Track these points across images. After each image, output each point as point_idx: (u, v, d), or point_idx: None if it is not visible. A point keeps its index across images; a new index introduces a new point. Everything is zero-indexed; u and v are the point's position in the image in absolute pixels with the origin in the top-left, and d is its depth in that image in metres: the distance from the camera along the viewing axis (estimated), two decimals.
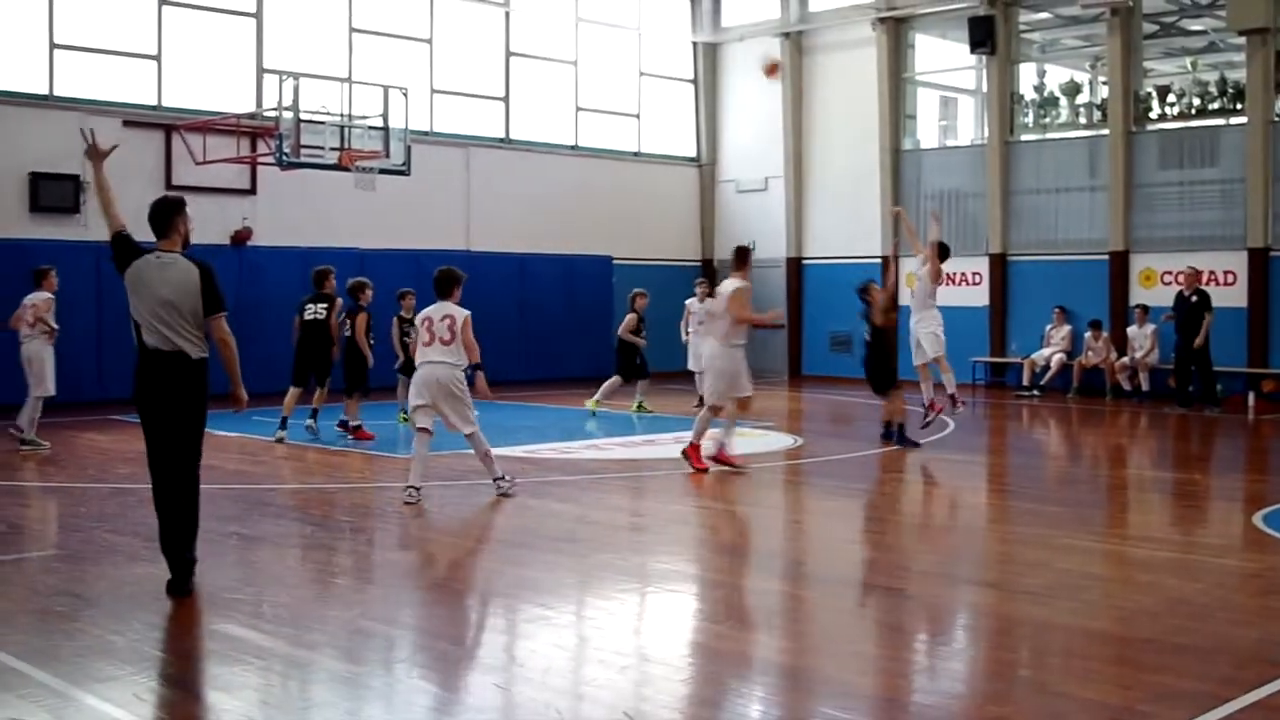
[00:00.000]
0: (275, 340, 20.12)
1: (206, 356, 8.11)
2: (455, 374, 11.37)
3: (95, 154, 8.96)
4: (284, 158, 19.78)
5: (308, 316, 16.39)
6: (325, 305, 16.44)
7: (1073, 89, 24.16)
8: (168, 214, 8.48)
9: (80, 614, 7.50)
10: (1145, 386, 21.75)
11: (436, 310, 11.53)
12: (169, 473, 8.05)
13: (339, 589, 8.25)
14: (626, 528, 10.56)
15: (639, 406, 19.74)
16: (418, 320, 11.72)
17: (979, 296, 24.81)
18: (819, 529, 11.13)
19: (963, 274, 25.07)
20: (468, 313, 11.50)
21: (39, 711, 5.81)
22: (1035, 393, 22.41)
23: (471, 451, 11.73)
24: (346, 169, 20.35)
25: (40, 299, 15.06)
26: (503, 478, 11.73)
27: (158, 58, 21.42)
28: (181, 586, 7.89)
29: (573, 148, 27.07)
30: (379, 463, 14.12)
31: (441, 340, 11.36)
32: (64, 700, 5.95)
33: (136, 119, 21.06)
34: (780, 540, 10.60)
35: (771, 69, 22.78)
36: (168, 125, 21.25)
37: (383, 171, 20.71)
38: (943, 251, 16.41)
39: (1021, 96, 24.52)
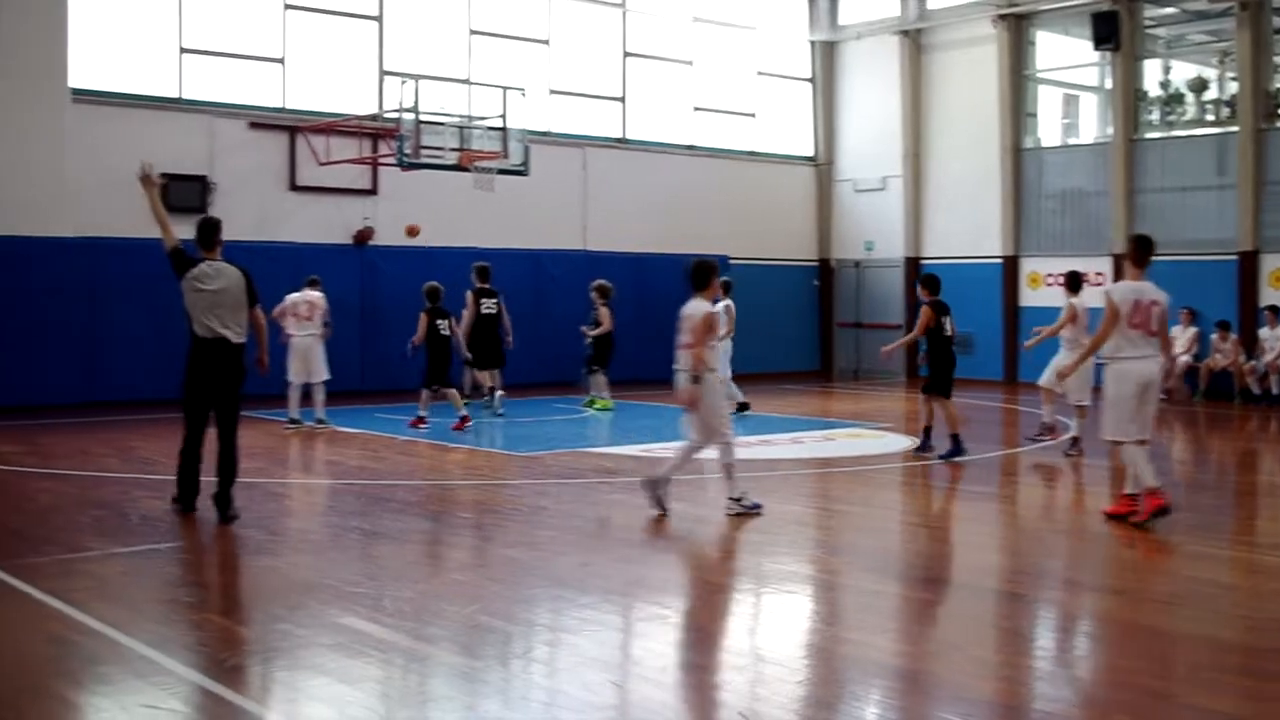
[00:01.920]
0: (396, 339, 20.43)
1: (244, 342, 10.33)
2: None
3: (148, 183, 10.88)
4: (404, 158, 20.03)
5: (484, 311, 18.04)
6: (496, 300, 18.24)
7: (1200, 85, 23.63)
8: (215, 231, 10.60)
9: (207, 604, 7.68)
10: (1276, 390, 21.19)
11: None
12: (219, 430, 10.25)
13: (459, 584, 8.33)
14: (742, 527, 10.52)
15: (591, 402, 19.74)
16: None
17: (1101, 297, 24.29)
18: (937, 531, 11.00)
19: (1084, 274, 24.60)
20: (709, 308, 10.66)
21: (169, 699, 5.95)
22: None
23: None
24: (465, 169, 20.56)
25: (317, 297, 17.00)
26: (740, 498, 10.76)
27: (282, 61, 21.83)
28: (189, 505, 10.34)
29: (689, 147, 27.07)
30: (499, 460, 14.24)
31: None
32: (191, 688, 6.08)
33: (262, 121, 21.49)
34: (898, 542, 10.49)
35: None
36: (292, 127, 21.65)
37: (501, 172, 20.88)
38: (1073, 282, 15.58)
39: (1146, 93, 24.02)
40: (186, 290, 10.26)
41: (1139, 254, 10.40)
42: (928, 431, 14.74)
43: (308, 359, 16.91)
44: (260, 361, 10.97)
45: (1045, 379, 15.38)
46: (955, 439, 14.18)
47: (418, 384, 17.26)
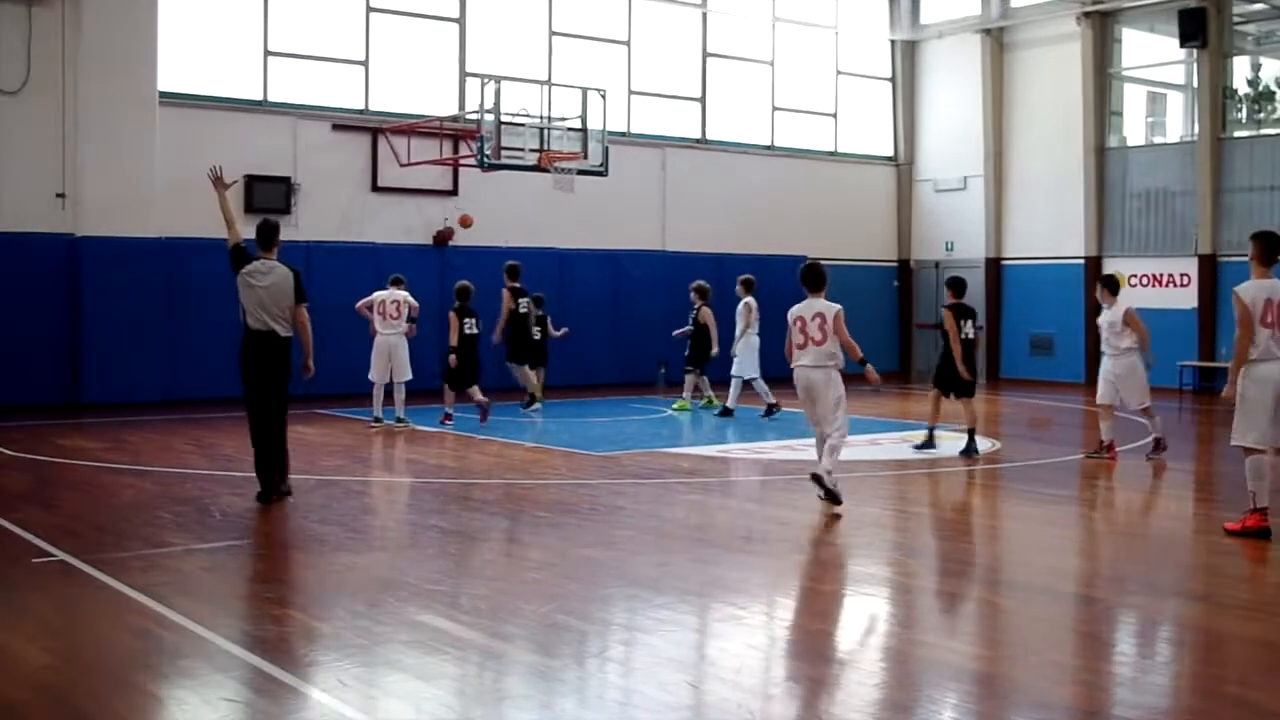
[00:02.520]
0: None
1: (291, 336, 11.01)
2: (831, 375, 10.85)
3: (219, 185, 11.52)
4: (485, 159, 20.14)
5: (520, 310, 18.94)
6: (529, 299, 18.83)
7: None
8: (273, 233, 11.24)
9: (288, 600, 7.77)
10: None
11: (807, 308, 11.03)
12: (265, 418, 10.95)
13: (535, 583, 8.36)
14: (819, 528, 10.48)
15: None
16: (790, 319, 11.07)
17: (1187, 299, 23.99)
18: (1016, 534, 10.89)
19: (1169, 275, 24.32)
20: (839, 307, 10.97)
21: (250, 693, 6.03)
22: None
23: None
24: (545, 170, 20.64)
25: (404, 296, 17.14)
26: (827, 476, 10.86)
27: (365, 63, 22.05)
28: (268, 497, 10.92)
29: (769, 148, 27.00)
30: (576, 460, 14.28)
31: (814, 341, 10.87)
32: (272, 683, 6.16)
33: (345, 122, 21.72)
34: (976, 545, 10.40)
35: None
36: (374, 128, 21.86)
37: (581, 172, 20.94)
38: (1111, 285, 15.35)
39: (1234, 91, 23.62)
40: (240, 285, 11.05)
41: (1266, 252, 10.05)
42: (971, 434, 14.76)
43: (392, 358, 17.07)
44: (305, 366, 11.37)
45: (1102, 395, 14.68)
46: (931, 433, 15.06)
47: (439, 383, 17.62)
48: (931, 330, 27.54)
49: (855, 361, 11.01)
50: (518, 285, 19.11)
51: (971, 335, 14.93)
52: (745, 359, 18.86)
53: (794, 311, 11.12)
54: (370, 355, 17.22)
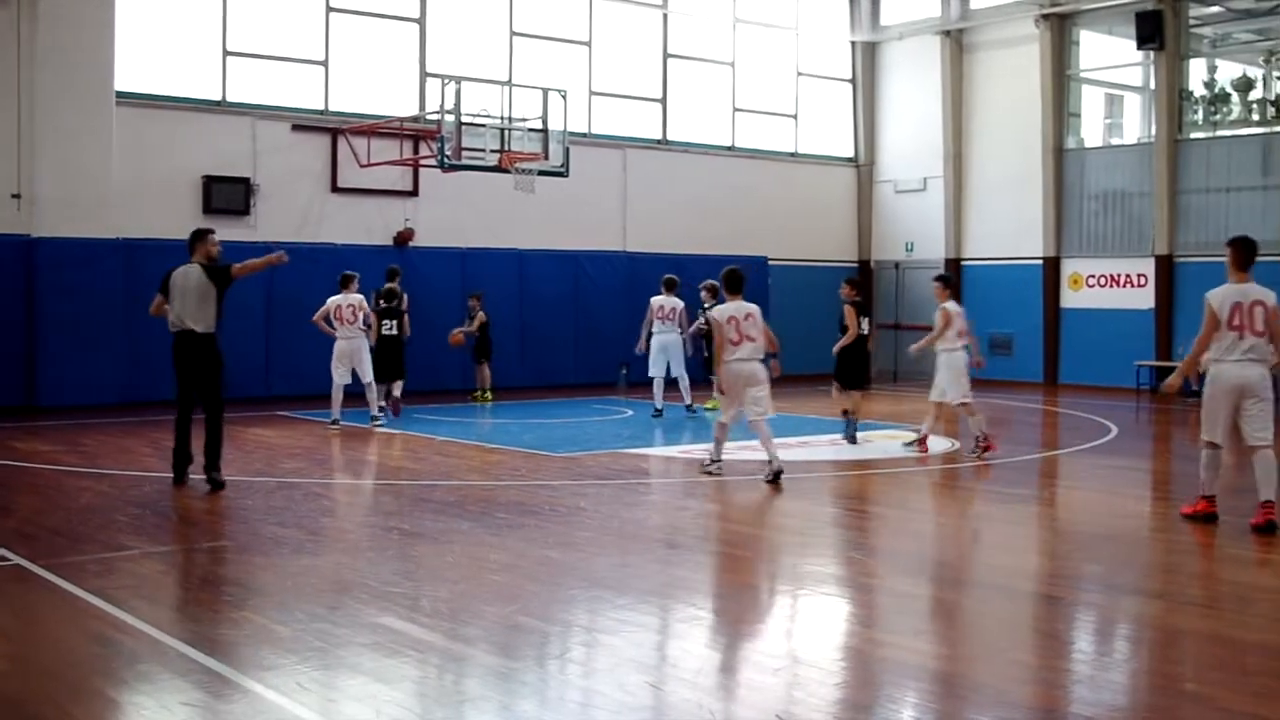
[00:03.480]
0: (438, 339, 20.50)
1: (212, 333, 11.80)
2: (763, 367, 12.52)
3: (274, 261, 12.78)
4: (445, 160, 20.10)
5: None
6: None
7: (1245, 85, 23.42)
8: (195, 240, 12.07)
9: (247, 603, 7.72)
10: None
11: (737, 309, 12.48)
12: (201, 410, 11.84)
13: (496, 584, 8.34)
14: (780, 529, 10.51)
15: (483, 394, 20.66)
16: (722, 319, 12.43)
17: (1144, 299, 24.20)
18: (974, 533, 10.95)
19: (1127, 276, 24.52)
20: (758, 307, 12.68)
21: (208, 698, 5.99)
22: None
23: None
24: (506, 171, 20.62)
25: (358, 299, 17.27)
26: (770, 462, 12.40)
27: (325, 63, 21.95)
28: (181, 479, 11.91)
29: (729, 148, 27.05)
30: (537, 461, 14.27)
31: (748, 337, 12.37)
32: (231, 687, 6.12)
33: (304, 123, 21.62)
34: (936, 545, 10.45)
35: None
36: (334, 129, 21.77)
37: (542, 173, 20.93)
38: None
39: (1191, 93, 23.83)
40: (166, 289, 12.01)
41: (1242, 257, 10.32)
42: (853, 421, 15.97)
43: (354, 360, 17.15)
44: (266, 259, 12.61)
45: (935, 394, 15.06)
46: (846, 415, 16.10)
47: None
48: (891, 331, 27.74)
49: (769, 353, 12.73)
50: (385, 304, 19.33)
51: (866, 331, 16.40)
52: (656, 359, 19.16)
53: (724, 311, 12.52)
54: (330, 358, 17.22)
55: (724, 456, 13.11)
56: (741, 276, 12.86)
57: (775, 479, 12.26)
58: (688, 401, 18.98)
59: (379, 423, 17.02)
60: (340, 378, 17.16)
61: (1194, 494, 10.69)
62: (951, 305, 15.05)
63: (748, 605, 8.17)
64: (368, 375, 17.19)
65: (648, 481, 13.22)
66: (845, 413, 16.07)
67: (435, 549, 9.58)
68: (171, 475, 12.06)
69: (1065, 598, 8.33)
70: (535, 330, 23.06)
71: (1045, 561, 9.74)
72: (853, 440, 15.74)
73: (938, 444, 15.50)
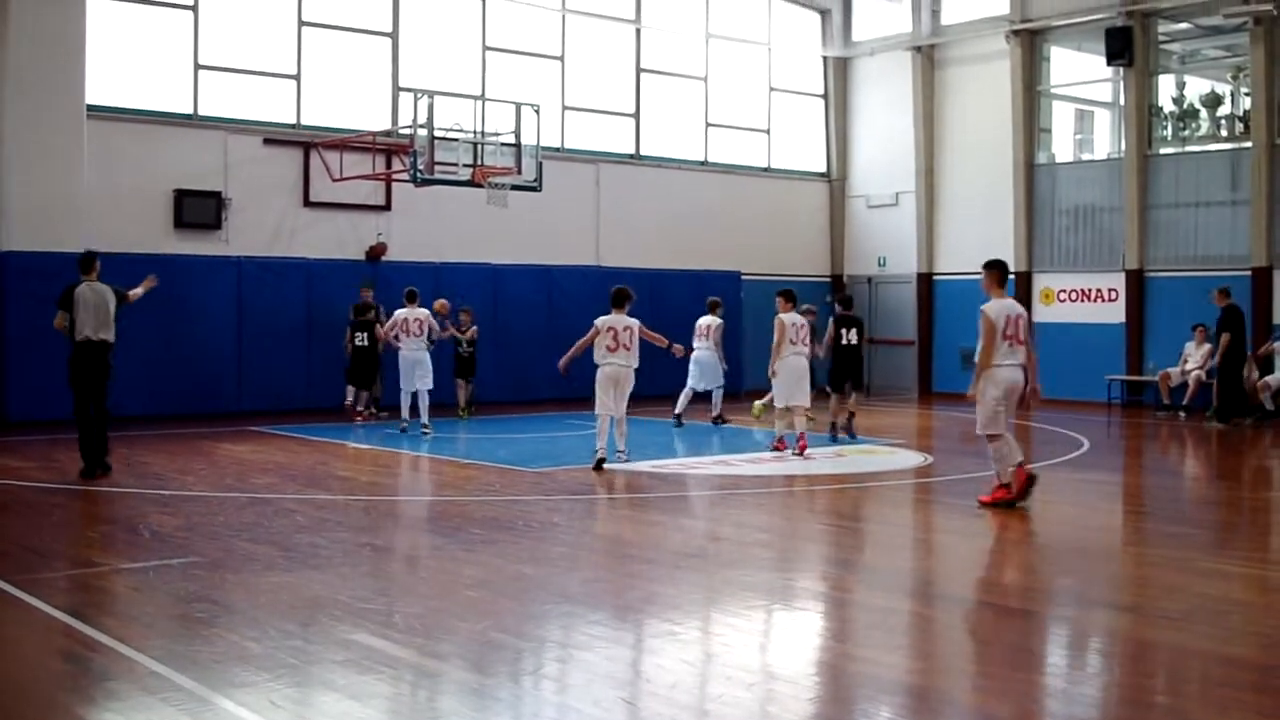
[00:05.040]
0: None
1: (113, 341, 13.61)
2: (631, 373, 14.53)
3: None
4: (418, 174, 20.06)
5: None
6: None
7: (1214, 100, 23.59)
8: (92, 260, 13.82)
9: (218, 620, 7.67)
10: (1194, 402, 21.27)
11: (617, 321, 14.46)
12: (94, 409, 13.56)
13: (470, 600, 8.32)
14: (754, 544, 10.52)
15: (465, 410, 20.87)
16: (602, 327, 14.45)
17: (1114, 314, 24.32)
18: (948, 548, 10.97)
19: (1098, 290, 24.63)
20: (639, 322, 14.71)
21: (179, 715, 5.95)
22: (1181, 414, 21.63)
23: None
24: (479, 185, 20.59)
25: (426, 315, 18.56)
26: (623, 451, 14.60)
27: (297, 77, 21.90)
28: (93, 472, 13.41)
29: (702, 163, 27.10)
30: (510, 476, 14.24)
31: (625, 346, 14.43)
32: (202, 704, 6.08)
33: (276, 137, 21.56)
34: (909, 559, 10.48)
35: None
36: (306, 143, 21.71)
37: (515, 188, 20.90)
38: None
39: (1160, 109, 23.98)
40: (75, 306, 13.56)
41: (1001, 277, 12.39)
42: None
43: (417, 370, 18.17)
44: (145, 284, 14.37)
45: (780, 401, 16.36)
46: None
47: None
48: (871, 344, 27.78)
49: (662, 347, 15.38)
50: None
51: (854, 341, 18.42)
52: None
53: (605, 321, 14.56)
54: (399, 367, 18.39)
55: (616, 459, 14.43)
56: (627, 294, 14.89)
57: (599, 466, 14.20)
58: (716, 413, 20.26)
59: (429, 433, 17.89)
60: (409, 385, 18.19)
61: (1173, 517, 10.67)
62: (787, 316, 16.31)
63: (722, 620, 8.16)
64: (427, 384, 18.19)
65: (622, 496, 13.21)
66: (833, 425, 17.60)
67: (408, 565, 9.55)
68: (81, 466, 13.52)
69: (1038, 611, 8.36)
70: (509, 345, 23.02)
71: (1018, 575, 9.77)
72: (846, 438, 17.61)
73: (912, 458, 15.53)
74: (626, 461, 14.62)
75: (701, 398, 20.30)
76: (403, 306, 18.56)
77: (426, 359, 18.24)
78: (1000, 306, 12.06)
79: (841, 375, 18.32)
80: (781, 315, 16.21)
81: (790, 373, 16.13)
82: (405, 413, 18.31)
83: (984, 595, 8.83)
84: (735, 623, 8.03)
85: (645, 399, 20.94)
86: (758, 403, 20.09)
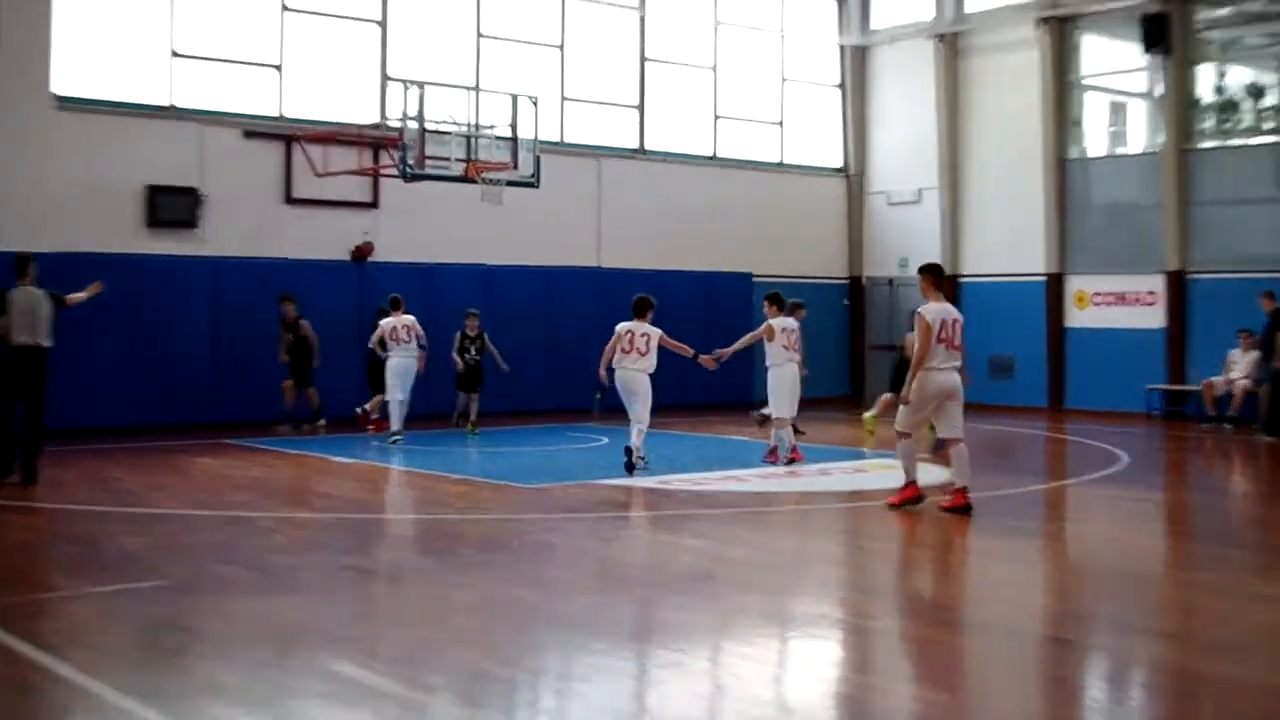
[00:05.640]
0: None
1: (51, 346, 13.93)
2: (645, 379, 15.32)
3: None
4: (408, 169, 20.00)
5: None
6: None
7: (1257, 91, 23.51)
8: (26, 263, 14.14)
9: (189, 649, 7.59)
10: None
11: (637, 326, 15.43)
12: (24, 414, 13.75)
13: (461, 628, 8.24)
14: (767, 567, 10.41)
15: (468, 422, 20.17)
16: (621, 332, 15.40)
17: (1154, 318, 24.21)
18: (977, 570, 10.88)
19: (1135, 293, 24.53)
20: (660, 331, 15.56)
21: None
22: (1227, 426, 21.45)
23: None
24: (473, 181, 20.52)
25: (412, 321, 18.84)
26: (643, 457, 15.24)
27: (279, 66, 21.84)
28: (5, 472, 13.78)
29: (711, 158, 27.05)
30: (506, 493, 14.15)
31: (639, 351, 15.29)
32: None
33: (257, 129, 21.50)
34: (934, 582, 10.38)
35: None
36: (288, 136, 21.65)
37: (511, 184, 20.84)
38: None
39: (1199, 100, 23.91)
40: (11, 310, 13.89)
41: (939, 281, 13.02)
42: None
43: (406, 378, 18.67)
44: (89, 290, 14.75)
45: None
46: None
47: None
48: (885, 352, 27.71)
49: (687, 356, 15.88)
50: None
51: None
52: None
53: (624, 326, 15.46)
54: (385, 377, 18.70)
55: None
56: (649, 302, 15.71)
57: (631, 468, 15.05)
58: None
59: (399, 440, 18.25)
60: (395, 394, 18.58)
61: (1219, 539, 10.77)
62: (779, 321, 16.41)
63: (733, 649, 8.05)
64: (405, 394, 18.65)
65: (625, 515, 13.11)
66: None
67: (394, 589, 9.47)
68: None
69: (1075, 640, 8.25)
70: (503, 352, 22.94)
71: (1052, 601, 9.66)
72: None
73: (937, 473, 15.41)
74: (645, 468, 15.15)
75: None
76: (386, 315, 18.93)
77: (413, 368, 18.71)
78: (937, 310, 12.63)
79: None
80: (772, 321, 16.45)
81: (786, 381, 16.30)
82: (397, 424, 18.50)
83: (1015, 622, 8.71)
84: (747, 652, 7.93)
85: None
86: (868, 414, 20.09)
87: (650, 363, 15.34)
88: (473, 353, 20.19)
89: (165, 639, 7.92)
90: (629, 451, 15.11)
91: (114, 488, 14.13)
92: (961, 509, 12.38)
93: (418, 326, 18.81)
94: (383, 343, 18.75)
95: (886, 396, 19.86)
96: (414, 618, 8.65)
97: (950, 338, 12.59)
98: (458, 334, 20.20)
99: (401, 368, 18.61)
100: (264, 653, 7.49)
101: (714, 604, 9.10)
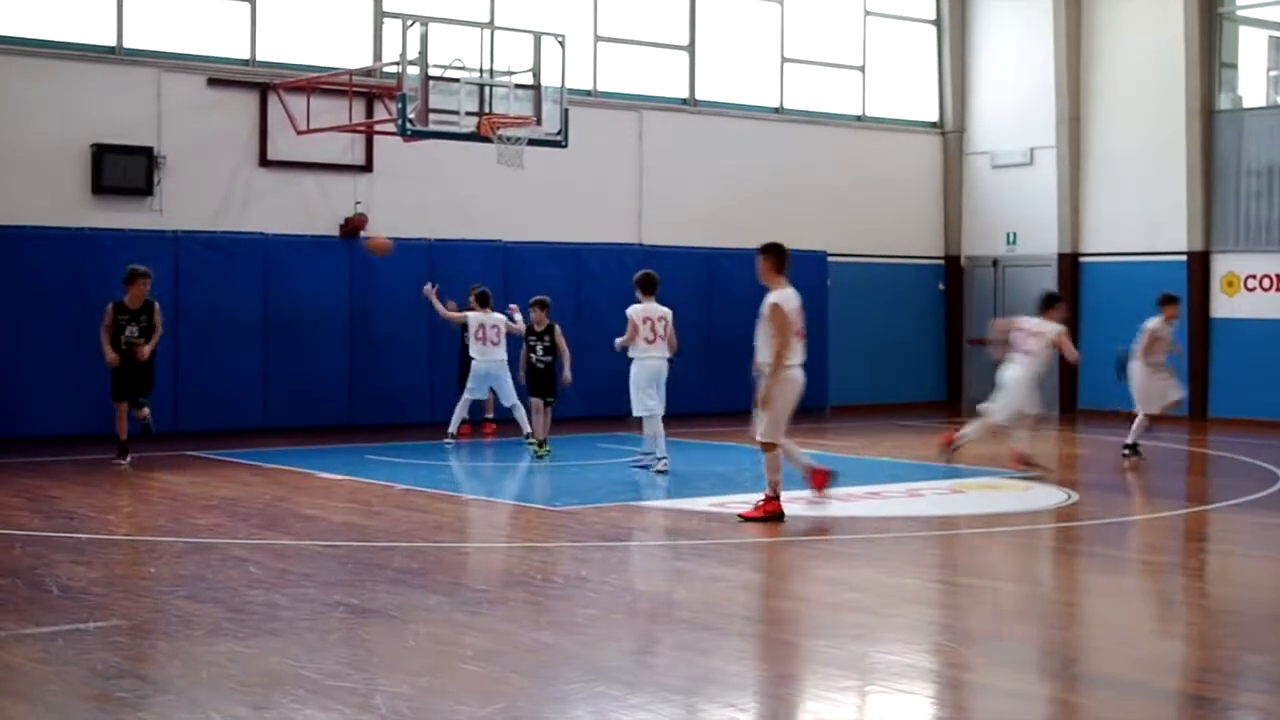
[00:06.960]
0: (393, 357, 20.54)
1: None
2: (667, 366, 16.88)
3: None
4: (408, 125, 20.04)
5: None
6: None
7: None
8: None
9: (147, 702, 7.69)
10: None
11: (653, 310, 16.83)
12: None
13: (473, 677, 8.31)
14: (844, 606, 10.47)
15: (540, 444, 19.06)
16: (637, 319, 16.86)
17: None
18: (1098, 613, 10.89)
19: None
20: (670, 311, 16.86)
21: None
22: None
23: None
24: (487, 139, 20.54)
25: (504, 320, 19.91)
26: (662, 459, 16.81)
27: (252, 1, 21.96)
28: None
29: (777, 110, 27.08)
30: (527, 516, 14.24)
31: (660, 337, 16.68)
32: None
33: (225, 76, 21.64)
34: (1046, 628, 10.41)
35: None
36: (263, 84, 21.78)
37: (532, 142, 20.84)
38: None
39: None
40: None
41: (783, 263, 13.41)
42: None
43: (495, 383, 19.83)
44: None
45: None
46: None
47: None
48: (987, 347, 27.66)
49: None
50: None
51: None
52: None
53: (639, 311, 16.93)
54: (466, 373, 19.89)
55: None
56: (655, 280, 17.04)
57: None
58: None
59: (532, 443, 19.01)
60: (471, 395, 19.96)
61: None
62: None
63: (801, 706, 8.13)
64: (511, 398, 19.75)
65: (670, 544, 13.18)
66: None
67: (393, 631, 9.56)
68: None
69: (1220, 699, 8.28)
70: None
71: (1190, 650, 9.68)
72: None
73: (1052, 495, 15.44)
74: (666, 470, 16.70)
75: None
76: (470, 309, 19.98)
77: (506, 372, 19.84)
78: (790, 297, 13.20)
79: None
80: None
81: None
82: (455, 425, 19.97)
83: (1145, 676, 8.74)
84: (819, 709, 8.00)
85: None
86: (965, 432, 19.89)
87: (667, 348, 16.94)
88: (540, 351, 19.07)
89: (117, 689, 8.03)
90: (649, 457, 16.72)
91: (53, 509, 14.25)
92: (774, 516, 13.33)
93: (508, 324, 19.92)
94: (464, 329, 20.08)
95: (989, 421, 18.11)
96: (416, 665, 8.73)
97: (802, 330, 13.35)
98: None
99: (485, 371, 19.74)
100: (237, 706, 7.57)
101: (778, 651, 9.16)
